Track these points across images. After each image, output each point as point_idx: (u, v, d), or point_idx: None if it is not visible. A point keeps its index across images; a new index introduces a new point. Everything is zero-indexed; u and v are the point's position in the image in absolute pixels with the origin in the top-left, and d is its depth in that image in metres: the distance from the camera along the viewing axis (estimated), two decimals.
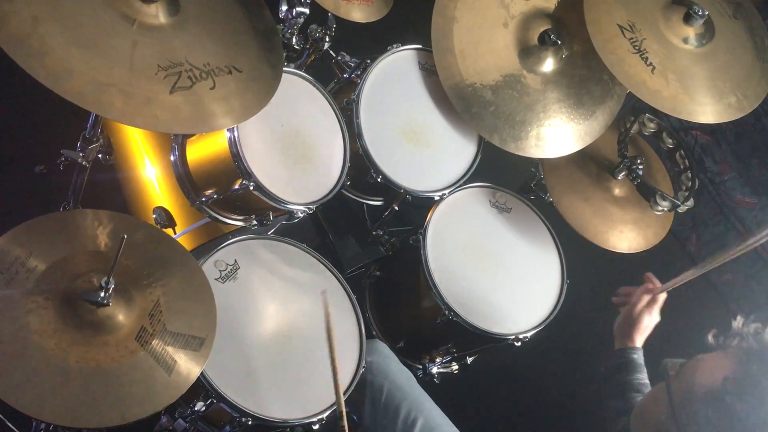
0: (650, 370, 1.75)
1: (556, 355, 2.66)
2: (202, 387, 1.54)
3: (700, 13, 1.85)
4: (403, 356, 1.97)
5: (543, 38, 1.97)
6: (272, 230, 2.01)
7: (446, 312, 1.91)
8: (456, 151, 2.09)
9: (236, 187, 1.68)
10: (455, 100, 1.98)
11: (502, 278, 2.04)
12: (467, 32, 1.98)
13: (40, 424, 1.72)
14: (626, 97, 2.07)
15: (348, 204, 2.19)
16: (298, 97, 1.85)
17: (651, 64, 1.83)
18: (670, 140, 2.13)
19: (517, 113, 1.99)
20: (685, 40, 1.89)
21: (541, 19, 2.01)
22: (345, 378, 1.70)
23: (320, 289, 1.79)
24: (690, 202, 2.06)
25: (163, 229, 1.79)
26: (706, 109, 1.86)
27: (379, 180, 1.94)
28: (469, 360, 2.27)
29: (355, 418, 1.82)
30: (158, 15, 1.47)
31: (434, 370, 2.19)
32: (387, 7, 2.05)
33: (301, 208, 1.76)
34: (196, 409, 1.58)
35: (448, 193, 2.05)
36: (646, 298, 1.83)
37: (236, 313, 1.67)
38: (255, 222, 1.84)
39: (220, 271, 1.70)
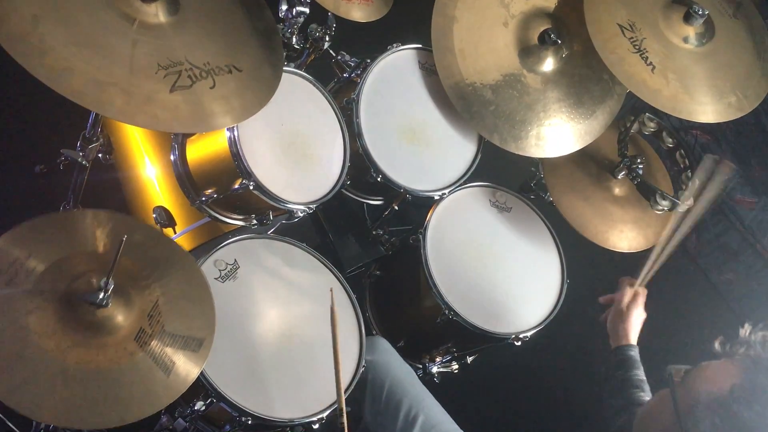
0: (652, 372, 1.75)
1: (556, 355, 2.66)
2: (201, 386, 1.54)
3: (700, 13, 1.85)
4: (403, 356, 1.97)
5: (543, 38, 1.97)
6: (272, 230, 2.01)
7: (446, 311, 1.91)
8: (456, 151, 2.09)
9: (236, 186, 1.68)
10: (455, 100, 1.98)
11: (503, 277, 2.04)
12: (467, 32, 1.98)
13: (39, 424, 1.72)
14: (626, 97, 2.07)
15: (348, 203, 2.19)
16: (298, 96, 1.85)
17: (651, 63, 1.83)
18: (670, 139, 2.13)
19: (517, 113, 1.99)
20: (685, 40, 1.89)
21: (541, 19, 2.01)
22: (345, 377, 1.70)
23: (320, 288, 1.79)
24: (690, 201, 2.06)
25: (163, 229, 1.79)
26: (706, 109, 1.87)
27: (379, 179, 1.94)
28: (470, 359, 2.27)
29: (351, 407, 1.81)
30: (158, 14, 1.47)
31: (434, 369, 2.19)
32: (387, 6, 2.05)
33: (301, 207, 1.76)
34: (196, 408, 1.58)
35: (448, 192, 2.05)
36: (629, 293, 1.84)
37: (236, 312, 1.67)
38: (255, 221, 1.84)
39: (219, 270, 1.70)
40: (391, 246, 2.23)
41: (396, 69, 2.05)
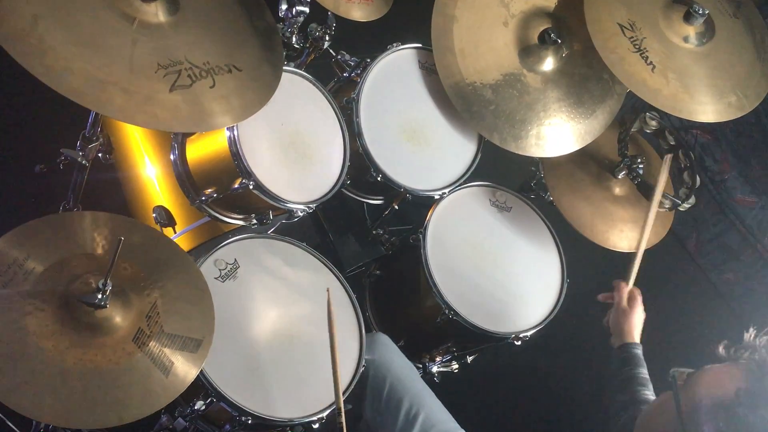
0: (652, 372, 1.75)
1: (556, 354, 2.66)
2: (201, 386, 1.54)
3: (700, 12, 1.85)
4: None
5: (543, 37, 1.97)
6: (272, 229, 2.01)
7: (446, 311, 1.91)
8: (456, 150, 2.09)
9: (236, 186, 1.68)
10: (455, 99, 1.97)
11: (503, 277, 2.04)
12: (467, 31, 1.98)
13: (39, 424, 1.72)
14: (626, 96, 2.07)
15: (348, 203, 2.19)
16: (298, 96, 1.85)
17: (651, 63, 1.83)
18: (671, 139, 2.13)
19: (517, 112, 1.99)
20: (686, 39, 1.89)
21: (541, 18, 2.01)
22: (344, 377, 1.70)
23: (320, 288, 1.79)
24: (691, 200, 2.06)
25: (163, 228, 1.79)
26: (707, 108, 1.86)
27: (379, 179, 1.94)
28: (470, 359, 2.27)
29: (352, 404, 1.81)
30: (158, 14, 1.47)
31: (434, 369, 2.19)
32: (387, 6, 2.05)
33: (301, 207, 1.76)
34: (195, 408, 1.58)
35: (449, 192, 2.05)
36: (626, 293, 1.84)
37: (236, 312, 1.67)
38: (255, 221, 1.84)
39: (219, 270, 1.70)
40: (391, 245, 2.23)
41: (396, 68, 2.05)
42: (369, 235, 2.23)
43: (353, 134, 1.92)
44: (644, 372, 1.74)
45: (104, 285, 1.30)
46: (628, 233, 2.10)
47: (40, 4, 1.31)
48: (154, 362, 1.34)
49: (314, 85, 1.89)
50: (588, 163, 2.14)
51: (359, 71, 2.02)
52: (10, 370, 1.23)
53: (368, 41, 2.13)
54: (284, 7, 1.87)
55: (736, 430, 1.17)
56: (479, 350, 2.23)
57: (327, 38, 1.97)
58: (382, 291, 2.26)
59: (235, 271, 1.72)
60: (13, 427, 1.76)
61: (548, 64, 2.01)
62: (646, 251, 1.94)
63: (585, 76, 2.03)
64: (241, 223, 1.86)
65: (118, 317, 1.34)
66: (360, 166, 1.94)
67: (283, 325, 1.71)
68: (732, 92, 1.89)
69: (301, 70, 1.86)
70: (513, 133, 1.99)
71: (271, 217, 1.79)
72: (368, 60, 2.02)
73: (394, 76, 2.03)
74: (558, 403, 2.78)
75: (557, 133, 2.01)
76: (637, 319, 1.82)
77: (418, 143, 2.03)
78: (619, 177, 2.11)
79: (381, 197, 2.17)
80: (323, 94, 1.90)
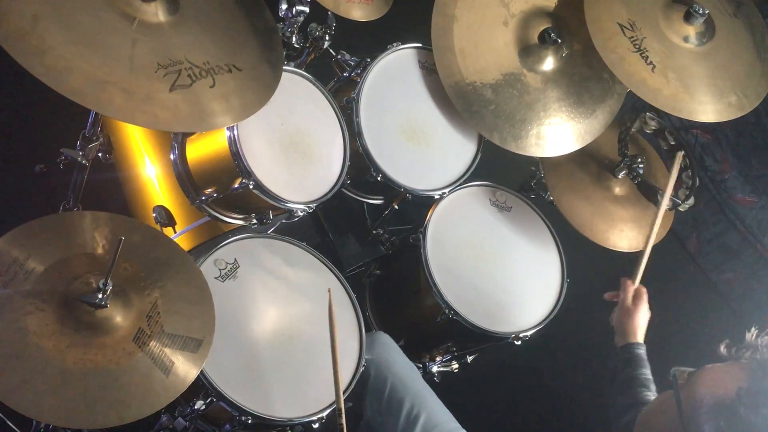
0: (651, 372, 1.75)
1: (556, 354, 2.66)
2: (202, 385, 1.54)
3: (700, 12, 1.85)
4: None
5: (543, 37, 1.97)
6: (272, 229, 2.01)
7: (446, 311, 1.91)
8: (456, 150, 2.09)
9: (236, 185, 1.67)
10: (455, 99, 1.97)
11: (503, 277, 2.04)
12: (467, 31, 1.98)
13: (39, 423, 1.72)
14: (626, 96, 2.06)
15: (348, 203, 2.19)
16: (298, 95, 1.85)
17: (651, 62, 1.83)
18: (671, 139, 2.13)
19: (518, 112, 1.99)
20: (686, 39, 1.89)
21: (542, 18, 2.01)
22: (345, 377, 1.70)
23: (320, 288, 1.79)
24: (691, 201, 2.06)
25: (163, 228, 1.79)
26: (707, 108, 1.86)
27: (379, 179, 1.94)
28: (470, 358, 2.27)
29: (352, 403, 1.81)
30: (158, 13, 1.47)
31: (435, 368, 2.19)
32: (387, 5, 2.05)
33: (301, 206, 1.76)
34: (196, 407, 1.58)
35: (449, 191, 2.05)
36: (632, 291, 1.83)
37: (236, 311, 1.67)
38: (255, 221, 1.84)
39: (219, 269, 1.70)
40: (391, 245, 2.23)
41: (396, 68, 2.05)
42: (369, 234, 2.23)
43: (353, 134, 1.92)
44: (647, 373, 1.73)
45: (105, 285, 1.30)
46: (628, 233, 2.10)
47: (40, 4, 1.31)
48: (155, 362, 1.34)
49: (314, 84, 1.88)
50: (588, 162, 2.14)
51: (359, 71, 2.02)
52: (11, 369, 1.23)
53: (368, 41, 2.14)
54: (284, 6, 1.87)
55: (737, 429, 1.17)
56: (479, 350, 2.23)
57: (327, 38, 1.97)
58: (382, 291, 2.26)
59: (235, 271, 1.72)
60: (13, 426, 1.76)
61: (548, 63, 2.01)
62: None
63: (585, 76, 2.03)
64: (241, 222, 1.86)
65: (118, 317, 1.34)
66: (360, 165, 1.94)
67: (283, 325, 1.71)
68: (732, 92, 1.89)
69: (301, 69, 1.86)
70: (513, 133, 1.99)
71: (271, 216, 1.79)
72: (368, 60, 2.02)
73: (394, 76, 2.03)
74: (558, 403, 2.78)
75: (557, 132, 2.01)
76: (641, 319, 1.80)
77: (418, 143, 2.03)
78: (620, 177, 2.11)
79: (381, 197, 2.17)
80: (323, 93, 1.90)
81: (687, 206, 2.07)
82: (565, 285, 2.09)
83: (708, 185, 3.30)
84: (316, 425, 1.63)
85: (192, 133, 1.80)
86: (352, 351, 1.76)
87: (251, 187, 1.66)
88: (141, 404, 1.30)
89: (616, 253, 2.09)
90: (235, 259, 1.73)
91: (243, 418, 1.56)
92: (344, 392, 1.66)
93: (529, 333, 1.97)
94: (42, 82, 1.27)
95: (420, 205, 2.07)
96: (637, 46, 1.83)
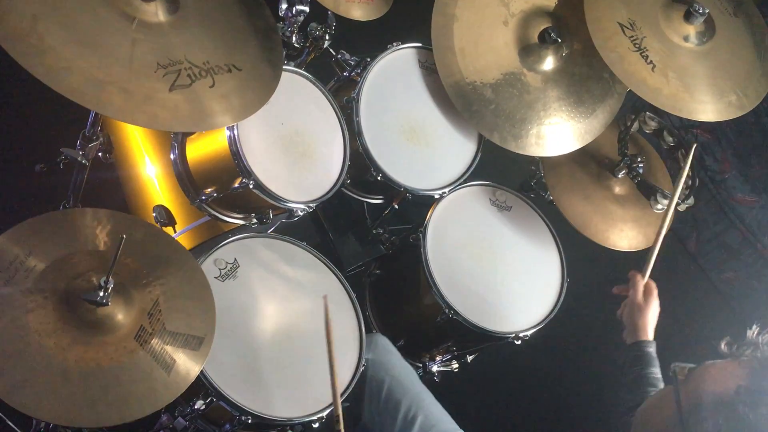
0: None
1: (556, 354, 2.66)
2: (202, 385, 1.54)
3: (700, 11, 1.85)
4: (403, 355, 1.97)
5: (543, 36, 1.97)
6: (272, 228, 2.01)
7: (446, 310, 1.91)
8: (456, 150, 2.09)
9: (236, 185, 1.68)
10: (455, 99, 1.97)
11: (503, 276, 2.04)
12: (467, 30, 1.98)
13: (39, 422, 1.72)
14: (626, 96, 2.06)
15: (348, 202, 2.19)
16: (298, 95, 1.85)
17: (651, 62, 1.83)
18: (671, 138, 2.13)
19: (518, 111, 1.99)
20: (686, 38, 1.89)
21: (542, 17, 2.01)
22: (344, 376, 1.70)
23: (320, 288, 1.79)
24: (690, 200, 2.06)
25: (163, 228, 1.79)
26: (707, 108, 1.86)
27: (379, 178, 1.94)
28: (470, 358, 2.27)
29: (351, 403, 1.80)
30: (158, 13, 1.47)
31: (434, 368, 2.19)
32: (387, 5, 2.05)
33: (301, 206, 1.76)
34: (196, 407, 1.58)
35: (449, 191, 2.05)
36: (642, 286, 1.82)
37: (236, 311, 1.67)
38: (255, 220, 1.84)
39: (219, 269, 1.70)
40: (391, 245, 2.23)
41: (396, 68, 2.04)
42: (369, 234, 2.23)
43: (353, 133, 1.92)
44: (656, 371, 1.71)
45: (106, 282, 1.30)
46: (628, 232, 2.10)
47: (40, 4, 1.31)
48: (156, 360, 1.34)
49: (314, 84, 1.89)
50: (588, 162, 2.14)
51: (359, 70, 2.02)
52: (11, 367, 1.23)
53: (368, 41, 2.13)
54: (284, 6, 1.87)
55: (736, 427, 1.17)
56: (479, 350, 2.22)
57: (327, 37, 1.97)
58: (382, 290, 2.26)
59: (235, 271, 1.72)
60: (13, 426, 1.76)
61: (548, 63, 2.01)
62: (647, 250, 1.94)
63: (585, 76, 2.03)
64: (241, 222, 1.86)
65: (119, 315, 1.34)
66: (360, 165, 1.94)
67: (282, 325, 1.71)
68: (732, 91, 1.89)
69: (301, 69, 1.86)
70: (513, 133, 1.99)
71: (271, 216, 1.79)
72: (368, 59, 2.02)
73: (394, 76, 2.03)
74: (558, 403, 2.78)
75: (557, 132, 2.01)
76: (651, 315, 1.78)
77: (418, 142, 2.03)
78: (619, 176, 2.11)
79: (381, 196, 2.17)
80: (323, 93, 1.90)
81: (686, 206, 2.07)
82: (565, 284, 2.08)
83: (708, 185, 3.30)
84: (315, 425, 1.63)
85: (192, 133, 1.80)
86: (351, 351, 1.76)
87: (251, 186, 1.66)
88: (142, 402, 1.30)
89: (616, 252, 2.09)
90: (235, 259, 1.73)
91: (243, 417, 1.56)
92: (344, 392, 1.66)
93: (529, 333, 1.97)
94: (42, 82, 1.27)
95: (420, 204, 2.06)
96: (637, 46, 1.83)
